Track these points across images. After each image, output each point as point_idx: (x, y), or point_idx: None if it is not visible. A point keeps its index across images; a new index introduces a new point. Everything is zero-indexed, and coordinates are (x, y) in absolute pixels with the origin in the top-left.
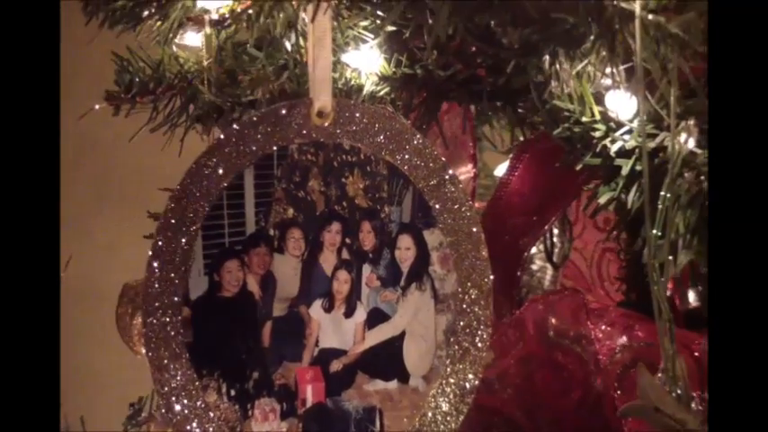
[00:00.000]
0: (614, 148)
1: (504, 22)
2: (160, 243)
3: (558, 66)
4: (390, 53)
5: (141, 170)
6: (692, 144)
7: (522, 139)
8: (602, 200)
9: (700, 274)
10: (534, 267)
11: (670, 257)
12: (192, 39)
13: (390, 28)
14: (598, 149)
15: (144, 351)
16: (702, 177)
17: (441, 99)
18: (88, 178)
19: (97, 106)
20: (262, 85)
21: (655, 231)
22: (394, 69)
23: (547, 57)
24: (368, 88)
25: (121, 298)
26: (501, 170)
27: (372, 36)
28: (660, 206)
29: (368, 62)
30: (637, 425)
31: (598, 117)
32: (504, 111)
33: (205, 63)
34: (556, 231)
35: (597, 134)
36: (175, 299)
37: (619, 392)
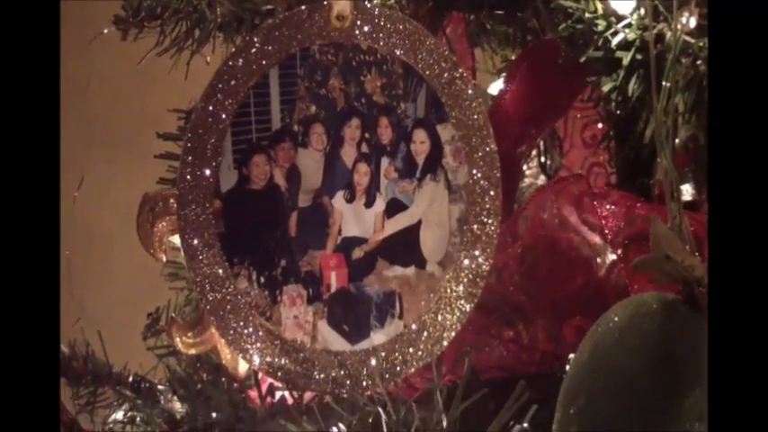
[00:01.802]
0: (615, 41)
1: None
2: (192, 140)
3: None
4: None
5: (130, 113)
6: (693, 24)
7: (512, 58)
8: (606, 88)
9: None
10: (523, 185)
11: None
12: None
13: None
14: (600, 44)
15: (180, 241)
16: (699, 62)
17: (445, 9)
18: (77, 122)
19: (105, 30)
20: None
21: (659, 106)
22: None
23: None
24: None
25: (142, 207)
26: (494, 89)
27: None
28: (665, 83)
29: None
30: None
31: (600, 12)
32: (506, 18)
33: None
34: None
35: (599, 29)
36: (207, 191)
37: (623, 263)
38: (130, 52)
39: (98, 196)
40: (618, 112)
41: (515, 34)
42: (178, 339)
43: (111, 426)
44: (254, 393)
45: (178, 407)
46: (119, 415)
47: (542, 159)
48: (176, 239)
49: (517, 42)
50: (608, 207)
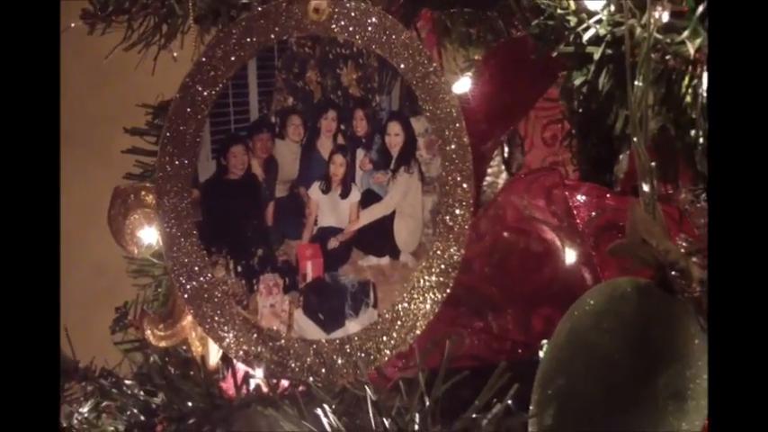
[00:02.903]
0: (586, 36)
1: None
2: (171, 130)
3: None
4: None
5: (89, 107)
6: (665, 20)
7: (476, 58)
8: (577, 82)
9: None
10: (484, 183)
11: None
12: None
13: None
14: (571, 39)
15: (158, 232)
16: (668, 57)
17: (417, 6)
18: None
19: (72, 24)
20: None
21: (634, 98)
22: None
23: None
24: None
25: (114, 200)
26: (457, 88)
27: None
28: (638, 83)
29: None
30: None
31: (573, 8)
32: (474, 17)
33: None
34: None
35: (570, 25)
36: (186, 181)
37: (595, 251)
38: (90, 45)
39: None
40: (580, 110)
41: (479, 34)
42: (149, 332)
43: (86, 417)
44: (225, 385)
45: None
46: (84, 409)
47: (505, 157)
48: (146, 235)
49: (480, 42)
50: (579, 198)
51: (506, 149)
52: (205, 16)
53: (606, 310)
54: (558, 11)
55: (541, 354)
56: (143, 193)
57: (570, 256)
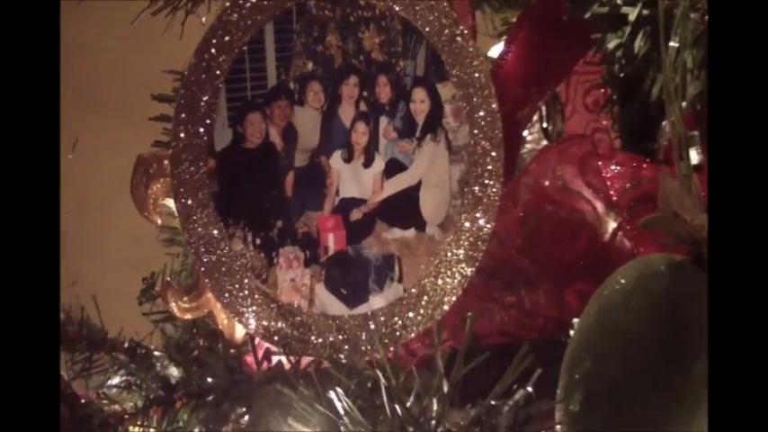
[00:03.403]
0: None
1: None
2: (186, 96)
3: None
4: None
5: (124, 76)
6: None
7: (513, 20)
8: (611, 45)
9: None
10: (524, 150)
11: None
12: None
13: None
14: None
15: (173, 201)
16: (706, 17)
17: None
18: (67, 85)
19: None
20: None
21: (668, 61)
22: None
23: None
24: None
25: (136, 168)
26: (494, 52)
27: None
28: (673, 41)
29: None
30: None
31: None
32: None
33: None
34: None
35: None
36: (201, 150)
37: (629, 224)
38: (123, 13)
39: (91, 160)
40: (621, 74)
41: None
42: (173, 304)
43: (105, 392)
44: (250, 359)
45: (174, 372)
46: (114, 381)
47: (544, 125)
48: (171, 203)
49: (517, 3)
50: (613, 168)
51: (545, 116)
52: None
53: (636, 288)
54: None
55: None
56: (165, 162)
57: (605, 227)
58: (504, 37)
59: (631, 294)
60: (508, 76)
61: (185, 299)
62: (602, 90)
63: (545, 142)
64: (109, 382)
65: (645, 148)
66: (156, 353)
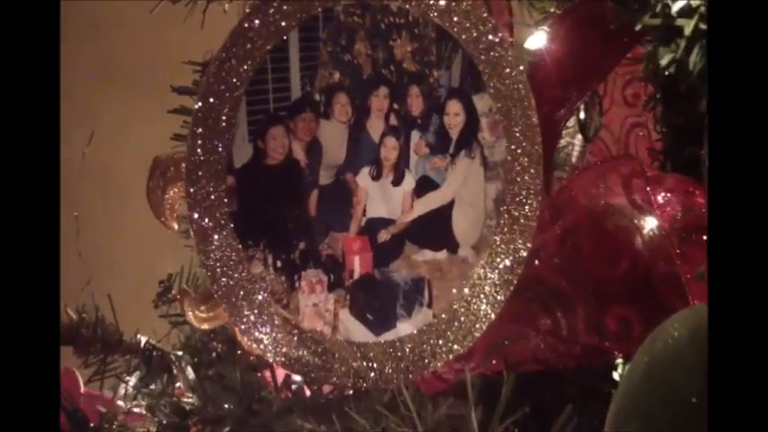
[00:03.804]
0: (675, 7)
1: None
2: (203, 109)
3: None
4: None
5: (145, 52)
6: None
7: (551, 10)
8: (664, 61)
9: None
10: (560, 144)
11: None
12: None
13: None
14: (658, 9)
15: (188, 221)
16: None
17: None
18: (91, 61)
19: None
20: None
21: None
22: None
23: None
24: None
25: (153, 171)
26: (532, 43)
27: None
28: None
29: None
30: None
31: None
32: None
33: None
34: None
35: None
36: (219, 166)
37: (681, 257)
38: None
39: (113, 139)
40: (666, 72)
41: None
42: (190, 313)
43: (118, 422)
44: (269, 375)
45: (189, 397)
46: (131, 381)
47: (581, 117)
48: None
49: None
50: (664, 194)
51: (582, 110)
52: None
53: (691, 343)
54: None
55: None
56: (184, 164)
57: (651, 249)
58: (543, 27)
59: (685, 350)
60: (547, 77)
61: (202, 308)
62: (643, 83)
63: (580, 136)
64: (128, 380)
65: (690, 153)
66: (172, 356)
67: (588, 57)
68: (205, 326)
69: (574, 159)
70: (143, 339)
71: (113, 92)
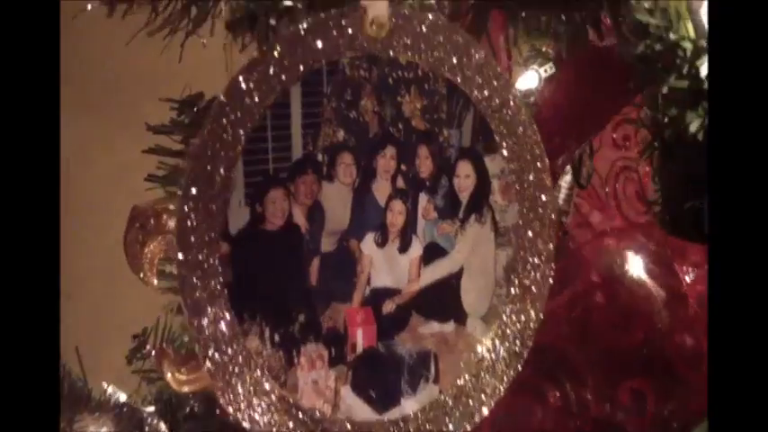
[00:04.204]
0: (704, 70)
1: None
2: (196, 169)
3: None
4: None
5: (137, 79)
6: None
7: (543, 49)
8: (693, 127)
9: None
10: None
11: None
12: None
13: None
14: (685, 71)
15: (179, 292)
16: None
17: (490, 5)
18: (80, 89)
19: (89, 6)
20: None
21: None
22: None
23: None
24: None
25: (131, 222)
26: (522, 83)
27: None
28: None
29: None
30: None
31: (692, 35)
32: (555, 19)
33: None
34: None
35: (687, 55)
36: (213, 232)
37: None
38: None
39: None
40: (665, 119)
41: (549, 24)
42: (169, 375)
43: None
44: None
45: None
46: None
47: (576, 164)
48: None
49: (550, 32)
50: (692, 269)
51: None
52: (239, 22)
53: None
54: (671, 35)
55: None
56: (164, 216)
57: (669, 319)
58: (533, 66)
59: None
60: (547, 125)
61: (183, 370)
62: (634, 126)
63: (567, 177)
64: None
65: (692, 207)
66: (144, 413)
67: (589, 107)
68: (186, 389)
69: (560, 202)
70: (113, 394)
71: (84, 120)
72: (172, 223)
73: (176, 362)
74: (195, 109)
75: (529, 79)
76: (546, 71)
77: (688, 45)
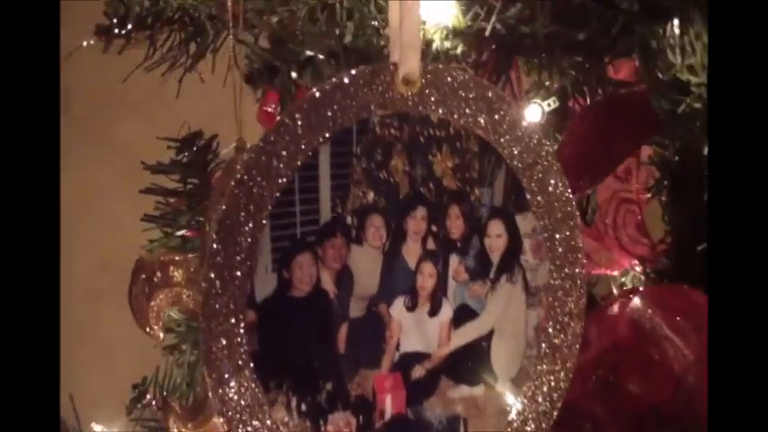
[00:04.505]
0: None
1: None
2: (222, 234)
3: (690, 34)
4: (467, 3)
5: (138, 116)
6: None
7: (546, 83)
8: None
9: None
10: None
11: None
12: None
13: None
14: None
15: (204, 368)
16: None
17: (512, 54)
18: (78, 125)
19: (85, 43)
20: (320, 41)
21: None
22: (470, 23)
23: (676, 22)
24: (437, 44)
25: (136, 275)
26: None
27: None
28: None
29: (437, 13)
30: None
31: None
32: (585, 68)
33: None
34: None
35: None
36: (240, 301)
37: None
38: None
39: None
40: (676, 158)
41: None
42: (176, 431)
43: None
44: None
45: None
46: None
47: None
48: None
49: (554, 69)
50: None
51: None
52: (259, 74)
53: None
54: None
55: None
56: (171, 268)
57: (697, 378)
58: (536, 100)
59: None
60: (565, 168)
61: (190, 425)
62: (635, 158)
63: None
64: None
65: (703, 251)
66: None
67: (605, 150)
68: None
69: None
70: None
71: (100, 158)
72: (178, 275)
73: (183, 417)
74: (194, 148)
75: (531, 113)
76: (549, 105)
77: None
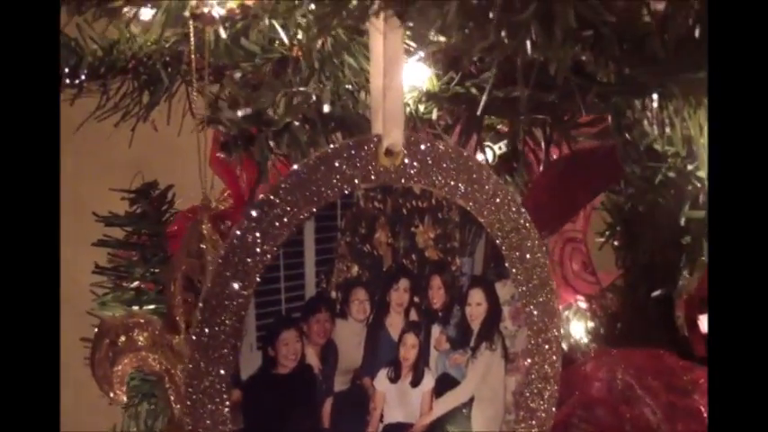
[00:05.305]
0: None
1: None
2: (204, 314)
3: (668, 109)
4: (443, 68)
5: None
6: None
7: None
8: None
9: None
10: None
11: None
12: (146, 14)
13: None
14: (702, 201)
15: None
16: None
17: (482, 115)
18: None
19: None
20: (297, 111)
21: None
22: (445, 86)
23: (655, 97)
24: (411, 107)
25: (99, 340)
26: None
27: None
28: None
29: (411, 76)
30: None
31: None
32: (554, 128)
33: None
34: None
35: (705, 184)
36: (223, 380)
37: None
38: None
39: None
40: (629, 205)
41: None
42: None
43: None
44: None
45: None
46: None
47: None
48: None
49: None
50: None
51: None
52: (234, 142)
53: None
54: (689, 166)
55: None
56: (136, 331)
57: None
58: (488, 143)
59: None
60: None
61: None
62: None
63: None
64: None
65: (659, 298)
66: None
67: (567, 202)
68: None
69: None
70: None
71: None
72: (142, 338)
73: None
74: (148, 199)
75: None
76: (500, 148)
77: (704, 175)
